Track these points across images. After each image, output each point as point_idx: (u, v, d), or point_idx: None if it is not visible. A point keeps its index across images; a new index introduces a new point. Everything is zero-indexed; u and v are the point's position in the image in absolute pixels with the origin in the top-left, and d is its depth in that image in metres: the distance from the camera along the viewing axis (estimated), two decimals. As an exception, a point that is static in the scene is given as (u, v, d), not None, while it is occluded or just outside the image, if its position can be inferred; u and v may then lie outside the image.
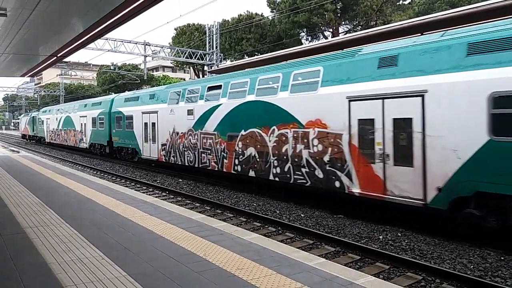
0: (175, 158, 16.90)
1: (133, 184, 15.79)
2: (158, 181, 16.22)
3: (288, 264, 4.78)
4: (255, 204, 11.60)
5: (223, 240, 5.71)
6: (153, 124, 18.52)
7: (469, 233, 7.97)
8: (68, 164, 22.24)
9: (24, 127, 51.68)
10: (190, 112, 15.78)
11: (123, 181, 16.62)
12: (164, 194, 13.66)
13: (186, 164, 16.17)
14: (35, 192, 9.60)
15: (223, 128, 13.90)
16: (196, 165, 15.49)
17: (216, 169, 14.37)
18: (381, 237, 8.28)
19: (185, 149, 16.14)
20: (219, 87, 14.44)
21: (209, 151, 14.69)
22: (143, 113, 19.57)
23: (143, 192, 12.58)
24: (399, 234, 8.46)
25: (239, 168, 13.29)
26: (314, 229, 8.82)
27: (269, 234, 8.72)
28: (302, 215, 10.21)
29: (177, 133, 16.65)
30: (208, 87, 15.02)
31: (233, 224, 8.14)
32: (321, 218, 9.92)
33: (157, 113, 18.22)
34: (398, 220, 9.18)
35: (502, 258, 7.02)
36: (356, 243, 7.75)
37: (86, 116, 27.63)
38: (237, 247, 5.39)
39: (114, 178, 17.46)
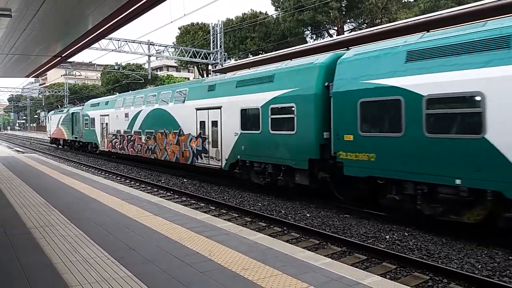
0: None
1: (137, 184, 15.80)
2: (162, 181, 16.22)
3: (294, 264, 4.74)
4: (260, 204, 11.56)
5: (228, 240, 5.68)
6: None
7: (477, 232, 7.91)
8: (72, 164, 22.31)
9: (56, 128, 36.40)
10: None
11: (127, 181, 16.64)
12: (168, 194, 13.65)
13: None
14: (40, 192, 9.62)
15: None
16: None
17: None
18: (387, 236, 8.22)
19: None
20: None
21: None
22: None
23: (148, 192, 12.58)
24: (406, 233, 8.39)
25: None
26: (320, 229, 8.77)
27: (274, 234, 8.68)
28: (308, 215, 10.17)
29: None
30: None
31: (238, 224, 8.12)
32: (327, 218, 9.87)
33: None
34: (405, 219, 9.11)
35: (510, 257, 6.94)
36: (363, 243, 7.69)
37: (219, 108, 14.26)
38: (242, 247, 5.36)
39: (118, 178, 17.48)
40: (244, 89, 13.26)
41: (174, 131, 17.06)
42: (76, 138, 30.92)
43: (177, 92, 17.44)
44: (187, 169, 17.45)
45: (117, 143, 22.85)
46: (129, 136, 21.17)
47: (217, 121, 14.48)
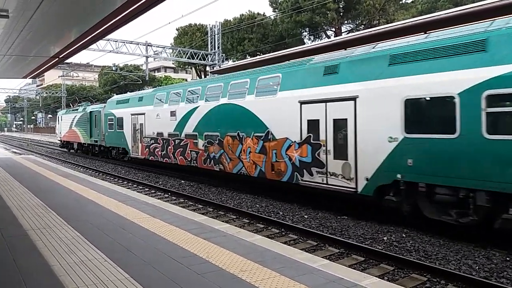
0: None
1: (135, 185, 15.77)
2: (160, 183, 16.19)
3: (292, 265, 4.74)
4: (258, 206, 11.56)
5: (226, 241, 5.67)
6: None
7: (474, 234, 7.93)
8: (69, 166, 22.25)
9: (69, 130, 31.45)
10: None
11: (125, 182, 16.60)
12: (166, 195, 13.63)
13: None
14: (37, 194, 9.59)
15: None
16: None
17: None
18: (385, 238, 8.23)
19: None
20: None
21: None
22: None
23: (146, 194, 12.56)
24: (403, 235, 8.41)
25: None
26: (317, 231, 8.76)
27: (272, 235, 8.67)
28: (306, 217, 10.17)
29: None
30: None
31: (236, 226, 8.12)
32: (324, 219, 9.87)
33: None
34: (403, 221, 9.12)
35: (507, 259, 6.96)
36: (360, 245, 7.70)
37: (353, 99, 9.64)
38: (240, 248, 5.35)
39: (116, 179, 17.45)
40: (412, 67, 8.46)
41: (257, 134, 12.24)
42: (96, 141, 26.02)
43: (260, 80, 12.53)
44: (283, 189, 12.60)
45: (157, 149, 17.94)
46: (178, 141, 16.36)
47: (345, 120, 9.74)
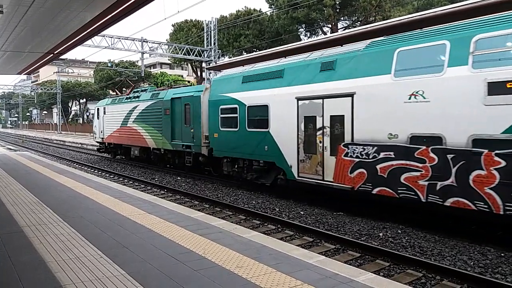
0: None
1: (131, 182, 15.73)
2: (156, 179, 16.17)
3: (288, 262, 4.75)
4: (254, 202, 11.56)
5: (223, 238, 5.67)
6: None
7: (470, 230, 7.99)
8: (65, 162, 22.15)
9: (120, 128, 21.44)
10: None
11: (121, 179, 16.57)
12: (162, 192, 13.61)
13: None
14: (33, 190, 9.55)
15: None
16: None
17: None
18: (381, 234, 8.26)
19: None
20: None
21: None
22: None
23: (142, 190, 12.54)
24: (399, 231, 8.44)
25: None
26: (313, 227, 8.79)
27: (268, 232, 8.69)
28: (302, 213, 10.19)
29: None
30: None
31: (232, 222, 8.14)
32: (320, 215, 9.89)
33: None
34: (398, 217, 9.16)
35: (502, 254, 7.00)
36: (356, 241, 7.72)
37: None
38: (237, 245, 5.36)
39: (112, 176, 17.39)
40: None
41: None
42: (187, 147, 16.06)
43: None
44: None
45: (414, 175, 8.10)
46: None
47: None
